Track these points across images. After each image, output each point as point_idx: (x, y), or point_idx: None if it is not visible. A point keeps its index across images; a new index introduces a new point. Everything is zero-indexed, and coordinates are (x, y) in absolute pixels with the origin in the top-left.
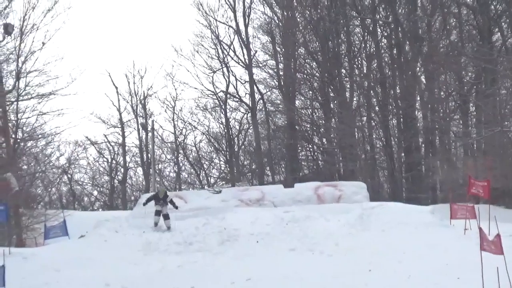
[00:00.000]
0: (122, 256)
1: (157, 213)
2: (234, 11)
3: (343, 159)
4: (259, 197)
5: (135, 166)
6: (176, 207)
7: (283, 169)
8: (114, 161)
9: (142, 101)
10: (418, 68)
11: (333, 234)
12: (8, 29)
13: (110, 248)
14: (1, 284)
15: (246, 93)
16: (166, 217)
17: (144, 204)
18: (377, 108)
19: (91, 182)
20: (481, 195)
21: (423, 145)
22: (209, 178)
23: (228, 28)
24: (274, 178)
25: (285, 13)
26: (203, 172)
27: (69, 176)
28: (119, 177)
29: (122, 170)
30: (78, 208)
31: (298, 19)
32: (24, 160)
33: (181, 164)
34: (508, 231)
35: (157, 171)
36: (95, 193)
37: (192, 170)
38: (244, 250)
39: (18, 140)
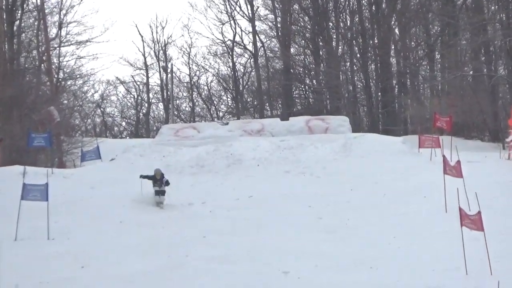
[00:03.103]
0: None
1: (157, 193)
2: None
3: (329, 97)
4: (259, 128)
5: (157, 101)
6: (168, 184)
7: (280, 105)
8: (139, 97)
9: (163, 48)
10: (392, 22)
11: (321, 159)
12: None
13: (135, 170)
14: (45, 199)
15: (249, 42)
16: (162, 193)
17: (141, 177)
18: (358, 55)
19: (120, 115)
20: (445, 128)
21: (396, 86)
22: (218, 112)
23: None
24: (272, 112)
25: None
26: (214, 107)
27: (102, 109)
28: (144, 111)
29: (146, 105)
30: (109, 136)
31: None
32: (65, 96)
33: (195, 100)
34: (466, 158)
35: (175, 106)
36: (123, 123)
37: (204, 105)
38: (247, 172)
39: (60, 80)
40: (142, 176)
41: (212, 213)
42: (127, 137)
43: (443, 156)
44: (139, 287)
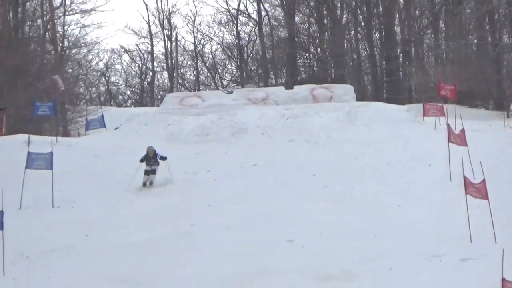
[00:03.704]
0: (150, 145)
1: (146, 172)
2: None
3: (334, 66)
4: (264, 96)
5: (161, 70)
6: (165, 158)
7: (284, 74)
8: (144, 66)
9: (168, 16)
10: None
11: (325, 128)
12: None
13: (140, 138)
14: (49, 167)
15: (254, 10)
16: (153, 172)
17: (141, 161)
18: (362, 23)
19: (124, 83)
20: (449, 97)
21: (401, 54)
22: (223, 80)
23: None
24: (277, 81)
25: None
26: (218, 75)
27: (106, 78)
28: (148, 79)
29: (150, 73)
30: (113, 105)
31: None
32: (69, 64)
33: (199, 69)
34: (470, 126)
35: (180, 75)
36: (128, 92)
37: (208, 74)
38: (251, 141)
39: (65, 48)
40: (141, 160)
41: (217, 182)
42: (132, 106)
43: (448, 124)
44: (145, 256)
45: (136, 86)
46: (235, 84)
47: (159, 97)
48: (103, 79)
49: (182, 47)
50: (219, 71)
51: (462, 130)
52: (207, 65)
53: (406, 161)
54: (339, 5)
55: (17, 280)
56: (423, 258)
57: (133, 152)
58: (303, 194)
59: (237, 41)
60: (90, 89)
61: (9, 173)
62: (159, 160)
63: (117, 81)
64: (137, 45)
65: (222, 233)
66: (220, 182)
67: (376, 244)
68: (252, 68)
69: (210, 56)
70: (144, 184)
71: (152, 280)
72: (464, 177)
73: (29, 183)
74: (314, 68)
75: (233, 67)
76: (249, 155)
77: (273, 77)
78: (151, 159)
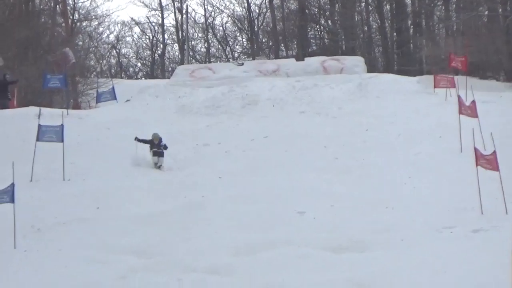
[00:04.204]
0: (160, 117)
1: (155, 153)
2: None
3: (345, 38)
4: (275, 68)
5: (172, 42)
6: (166, 148)
7: (295, 46)
8: (154, 38)
9: None
10: None
11: (336, 99)
12: None
13: (151, 111)
14: (60, 140)
15: None
16: (161, 155)
17: (136, 139)
18: None
19: (135, 56)
20: (460, 68)
21: (411, 26)
22: (233, 53)
23: None
24: (288, 53)
25: None
26: (229, 47)
27: (117, 50)
28: (159, 52)
29: (161, 46)
30: (124, 77)
31: None
32: (80, 37)
33: (210, 41)
34: (481, 98)
35: (190, 47)
36: (139, 64)
37: (219, 46)
38: (262, 113)
39: (75, 21)
40: (138, 139)
41: (227, 154)
42: (142, 78)
43: (458, 96)
44: (156, 228)
45: (147, 59)
46: (246, 56)
47: (170, 69)
48: (114, 51)
49: (192, 19)
50: (230, 43)
51: (473, 102)
52: (217, 37)
53: (417, 132)
54: None
55: (28, 252)
56: (434, 229)
57: (144, 125)
58: (314, 166)
59: (247, 13)
60: (100, 62)
61: (20, 145)
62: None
63: (127, 54)
64: (147, 18)
65: (233, 205)
66: (231, 154)
67: (387, 216)
68: (263, 40)
69: (221, 28)
70: (155, 165)
71: (163, 251)
72: (475, 149)
73: (40, 155)
74: (325, 40)
75: (243, 39)
76: (260, 127)
77: (283, 49)
78: (156, 145)
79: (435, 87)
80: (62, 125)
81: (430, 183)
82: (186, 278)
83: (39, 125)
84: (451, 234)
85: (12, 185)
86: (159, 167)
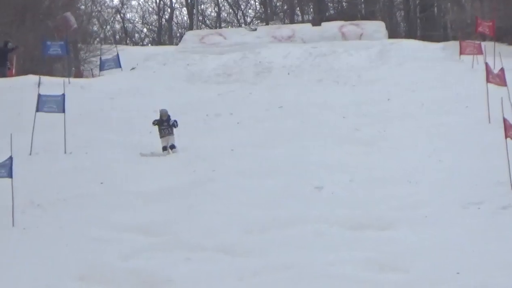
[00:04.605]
0: (168, 86)
1: (164, 148)
2: None
3: (364, 1)
4: (290, 34)
5: (180, 6)
6: (176, 126)
7: (311, 10)
8: (161, 2)
9: None
10: None
11: (356, 67)
12: None
13: (158, 79)
14: (61, 110)
15: None
16: (173, 146)
17: (154, 124)
18: None
19: (141, 21)
20: (487, 33)
21: None
22: (245, 17)
23: None
24: (303, 17)
25: None
26: (241, 12)
27: (122, 15)
28: (166, 16)
29: (168, 10)
30: (129, 44)
31: None
32: (82, 1)
33: (221, 5)
34: (510, 65)
35: (200, 11)
36: (145, 30)
37: (230, 10)
38: (277, 81)
39: None
40: (153, 123)
41: (240, 125)
42: (149, 45)
43: (486, 63)
44: (163, 204)
45: (153, 24)
46: (259, 21)
47: (178, 35)
48: (118, 16)
49: None
50: (242, 7)
51: (502, 69)
52: (229, 1)
53: (441, 102)
54: None
55: (27, 230)
56: (460, 205)
57: (151, 94)
58: (332, 138)
59: None
60: (104, 27)
61: (19, 116)
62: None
63: (133, 18)
64: None
65: (246, 180)
66: (243, 125)
67: (410, 191)
68: (277, 4)
69: None
70: (165, 148)
71: (170, 229)
72: (504, 119)
73: (40, 127)
74: (343, 3)
75: (256, 3)
76: (275, 97)
77: (299, 14)
78: (164, 122)
79: (461, 54)
80: (63, 95)
81: (456, 156)
82: (194, 257)
83: (39, 95)
84: (479, 210)
85: (10, 158)
86: (171, 149)
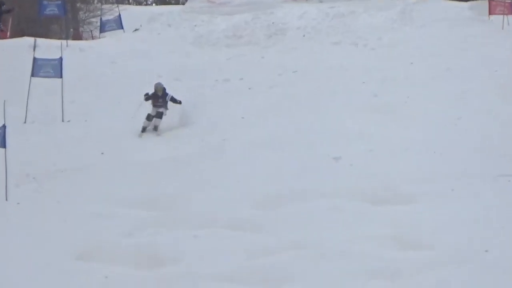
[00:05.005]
0: (174, 48)
1: (149, 117)
2: None
3: None
4: None
5: None
6: (180, 102)
7: None
8: None
9: None
10: None
11: (376, 28)
12: None
13: (163, 41)
14: (59, 75)
15: None
16: (159, 115)
17: (146, 98)
18: None
19: None
20: None
21: None
22: None
23: None
24: None
25: None
26: None
27: None
28: None
29: None
30: (132, 3)
31: None
32: None
33: None
34: None
35: None
36: None
37: None
38: (291, 44)
39: None
40: (146, 98)
41: (251, 91)
42: (153, 4)
43: None
44: (168, 176)
45: None
46: None
47: None
48: None
49: None
50: None
51: None
52: None
53: (468, 66)
54: None
55: (21, 205)
56: (488, 177)
57: (155, 58)
58: (350, 105)
59: None
60: None
61: (13, 82)
62: (169, 102)
63: None
64: None
65: (257, 150)
66: (255, 91)
67: (435, 162)
68: None
69: None
70: (143, 130)
71: (175, 203)
72: None
73: (36, 93)
74: None
75: None
76: (289, 60)
77: None
78: (159, 98)
79: (490, 13)
80: (60, 58)
81: (483, 125)
82: (202, 234)
83: (35, 58)
84: (509, 183)
85: (3, 127)
86: (155, 129)
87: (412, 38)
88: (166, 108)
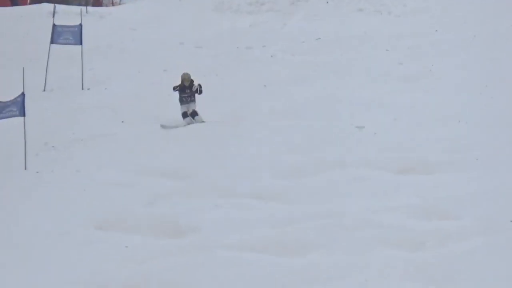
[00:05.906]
0: (195, 15)
1: (185, 114)
2: None
3: None
4: None
5: None
6: (201, 92)
7: None
8: None
9: None
10: None
11: None
12: None
13: (184, 8)
14: (78, 42)
15: None
16: (195, 113)
17: (174, 89)
18: None
19: None
20: None
21: None
22: None
23: None
24: None
25: None
26: None
27: None
28: None
29: None
30: None
31: None
32: None
33: None
34: None
35: None
36: None
37: None
38: (314, 11)
39: None
40: (174, 89)
41: (273, 59)
42: None
43: None
44: (189, 146)
45: None
46: None
47: None
48: None
49: None
50: None
51: None
52: None
53: (495, 34)
54: None
55: (40, 174)
56: None
57: (175, 25)
58: (374, 73)
59: None
60: None
61: (32, 49)
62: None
63: None
64: None
65: (280, 120)
66: (277, 59)
67: (460, 131)
68: None
69: None
70: (185, 115)
71: (197, 173)
72: None
73: (55, 61)
74: None
75: None
76: (311, 27)
77: None
78: (186, 89)
79: None
80: (80, 25)
81: (510, 93)
82: (224, 203)
83: (54, 25)
84: None
85: (22, 95)
86: (193, 117)
87: (438, 5)
88: (194, 98)
